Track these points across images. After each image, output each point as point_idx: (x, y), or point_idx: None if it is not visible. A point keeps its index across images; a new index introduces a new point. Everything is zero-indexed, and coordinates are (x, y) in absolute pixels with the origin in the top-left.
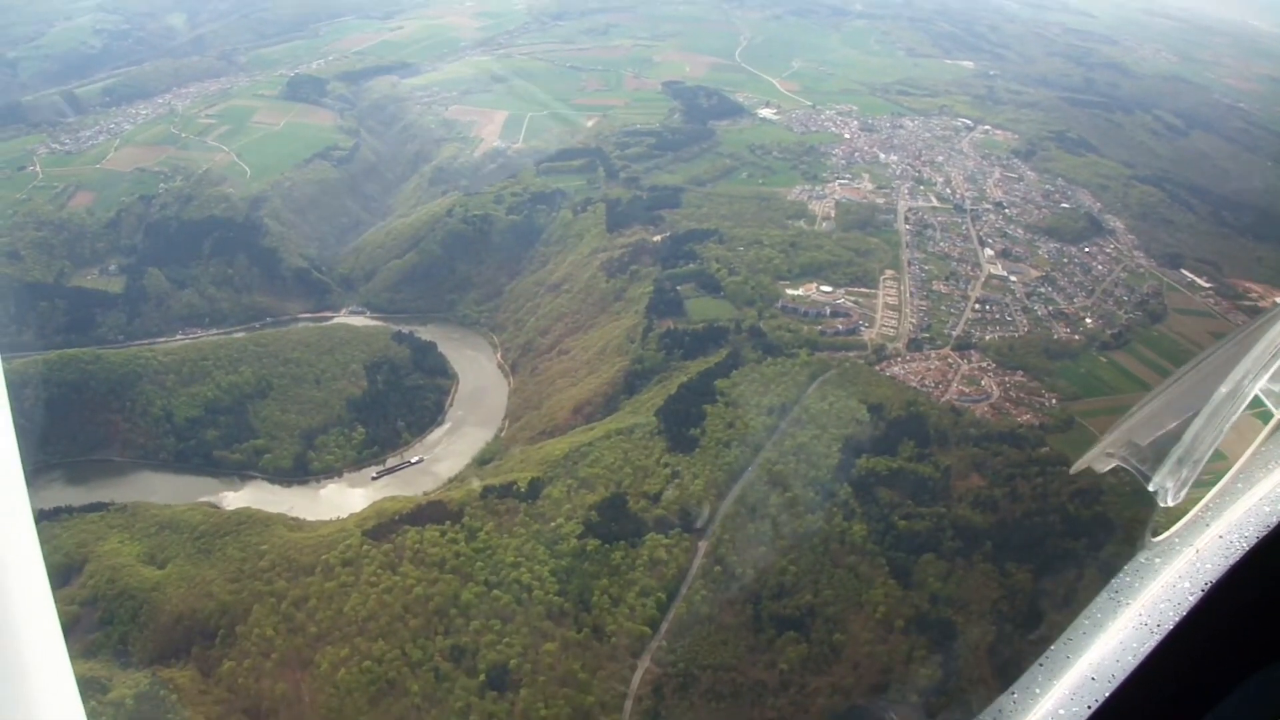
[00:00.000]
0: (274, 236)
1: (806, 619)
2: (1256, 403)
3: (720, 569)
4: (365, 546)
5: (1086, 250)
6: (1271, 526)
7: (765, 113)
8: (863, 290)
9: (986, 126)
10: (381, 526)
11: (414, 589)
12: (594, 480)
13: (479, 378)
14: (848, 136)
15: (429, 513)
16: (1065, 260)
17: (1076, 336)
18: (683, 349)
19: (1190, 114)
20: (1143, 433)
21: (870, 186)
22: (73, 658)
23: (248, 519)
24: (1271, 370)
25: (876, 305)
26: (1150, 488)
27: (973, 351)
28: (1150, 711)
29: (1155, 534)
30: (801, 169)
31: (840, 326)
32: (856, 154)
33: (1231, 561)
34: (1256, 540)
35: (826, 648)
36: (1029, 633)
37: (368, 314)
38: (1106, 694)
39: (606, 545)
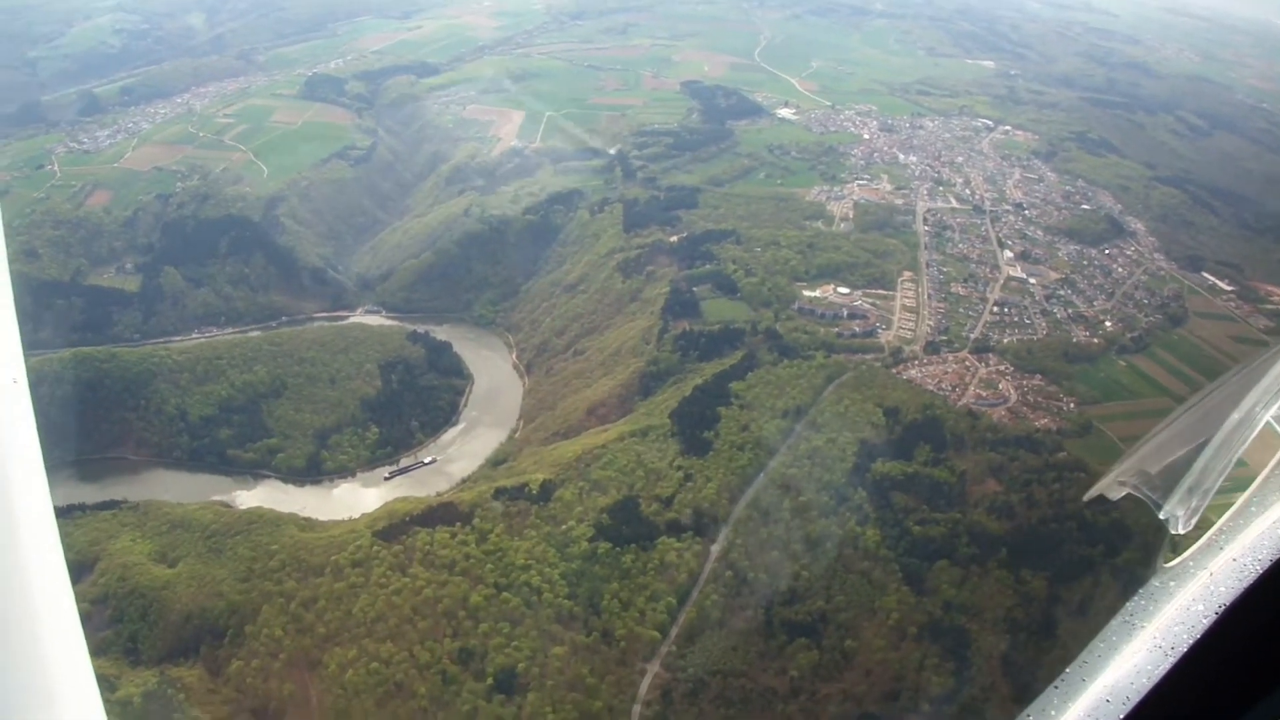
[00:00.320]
0: (290, 235)
1: (818, 625)
2: (1269, 429)
3: (732, 574)
4: (375, 547)
5: (1107, 252)
6: None
7: (784, 112)
8: (880, 292)
9: (1007, 127)
10: (392, 527)
11: (423, 591)
12: (606, 483)
13: (494, 378)
14: (867, 137)
15: (440, 514)
16: (1085, 262)
17: (1096, 340)
18: (698, 350)
19: (1213, 114)
20: (1154, 460)
21: (889, 187)
22: None
23: (258, 518)
24: None
25: (894, 307)
26: (1161, 515)
27: (990, 355)
28: None
29: (1169, 558)
30: (820, 169)
31: (857, 329)
32: (875, 154)
33: (1245, 585)
34: (1270, 563)
35: (838, 654)
36: (1043, 641)
37: (383, 313)
38: (1121, 717)
39: (617, 549)
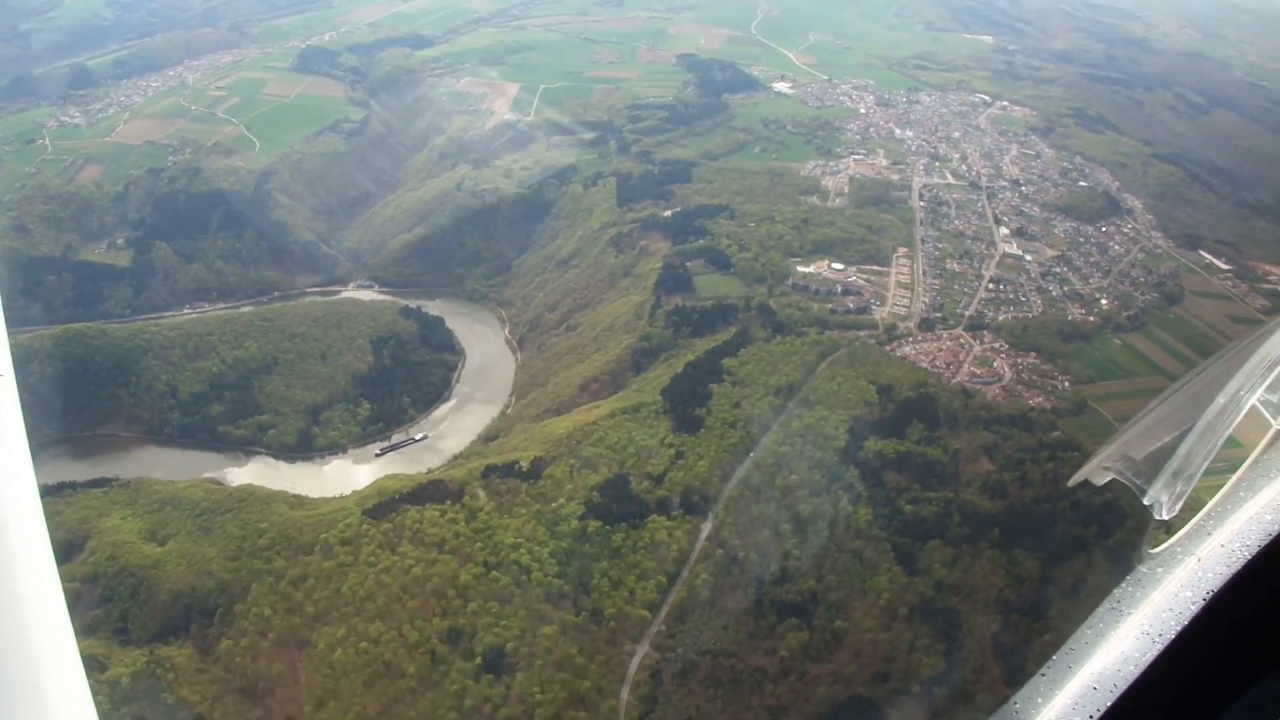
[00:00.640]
0: (282, 210)
1: (809, 605)
2: (1256, 413)
3: (722, 553)
4: (365, 525)
5: (1104, 230)
6: (1273, 535)
7: (780, 86)
8: (875, 268)
9: (1004, 102)
10: (382, 505)
11: (412, 569)
12: (597, 460)
13: (486, 353)
14: (863, 111)
15: (430, 492)
16: (1082, 240)
17: (1091, 318)
18: (691, 326)
19: (1212, 92)
20: (1140, 445)
21: (885, 162)
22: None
23: (249, 496)
24: (1269, 381)
25: (889, 284)
26: (1146, 501)
27: (985, 332)
28: None
29: (1156, 544)
30: (815, 144)
31: (851, 305)
32: (872, 129)
33: (1233, 570)
34: (1258, 549)
35: (828, 635)
36: (1035, 622)
37: (375, 288)
38: (1108, 704)
39: (608, 527)
